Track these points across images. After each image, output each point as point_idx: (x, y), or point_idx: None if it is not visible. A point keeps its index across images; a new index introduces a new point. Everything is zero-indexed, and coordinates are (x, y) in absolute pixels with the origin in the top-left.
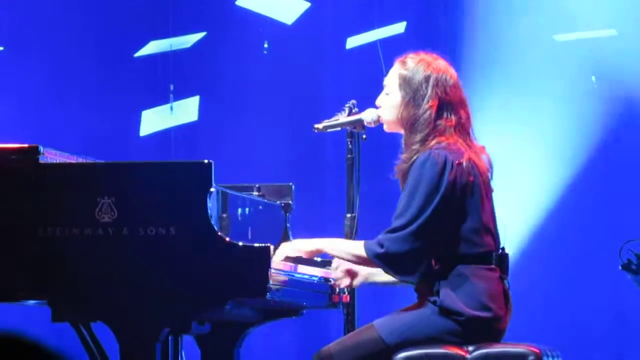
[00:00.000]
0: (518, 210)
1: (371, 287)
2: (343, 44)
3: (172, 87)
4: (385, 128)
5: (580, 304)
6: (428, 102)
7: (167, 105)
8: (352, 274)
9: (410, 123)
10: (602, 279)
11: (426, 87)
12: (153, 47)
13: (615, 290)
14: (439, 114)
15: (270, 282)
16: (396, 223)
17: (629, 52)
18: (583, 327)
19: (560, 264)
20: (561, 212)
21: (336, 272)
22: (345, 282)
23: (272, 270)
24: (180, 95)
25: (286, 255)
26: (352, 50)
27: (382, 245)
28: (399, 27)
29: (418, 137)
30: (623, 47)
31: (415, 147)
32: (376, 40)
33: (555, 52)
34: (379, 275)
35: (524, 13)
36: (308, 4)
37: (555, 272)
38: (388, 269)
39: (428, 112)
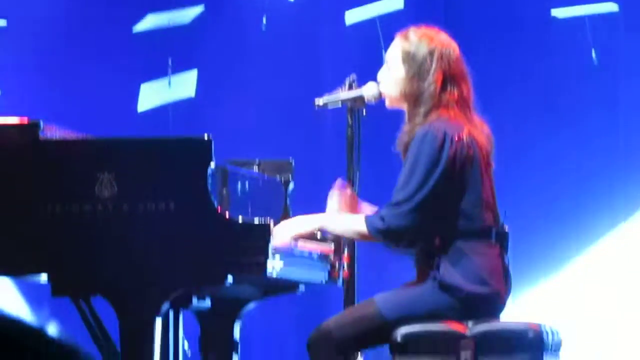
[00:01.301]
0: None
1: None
2: (342, 20)
3: (170, 61)
4: (387, 103)
5: (579, 281)
6: (433, 75)
7: (165, 79)
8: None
9: (414, 97)
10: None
11: (431, 61)
12: (151, 21)
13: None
14: (443, 88)
15: (270, 257)
16: (397, 197)
17: None
18: (583, 305)
19: (561, 242)
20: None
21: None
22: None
23: (272, 246)
24: (179, 69)
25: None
26: (352, 26)
27: (383, 220)
28: (397, 3)
29: (422, 110)
30: None
31: (418, 120)
32: (375, 17)
33: (553, 28)
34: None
35: None
36: None
37: (557, 250)
38: (390, 243)
39: (433, 86)
